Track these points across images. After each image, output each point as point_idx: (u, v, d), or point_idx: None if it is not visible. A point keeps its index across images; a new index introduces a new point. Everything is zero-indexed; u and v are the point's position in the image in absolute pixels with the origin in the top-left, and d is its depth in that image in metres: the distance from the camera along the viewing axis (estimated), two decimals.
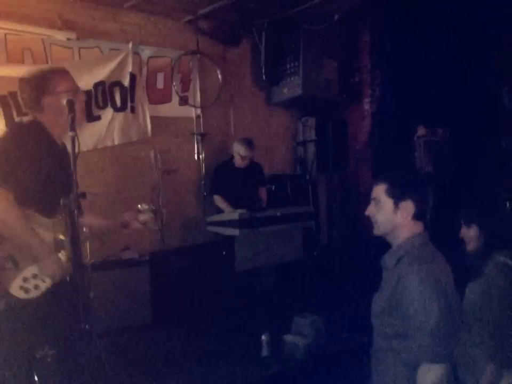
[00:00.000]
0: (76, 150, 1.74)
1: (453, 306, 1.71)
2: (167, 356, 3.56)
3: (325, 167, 5.66)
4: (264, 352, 3.42)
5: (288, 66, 5.41)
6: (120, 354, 3.53)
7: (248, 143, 4.55)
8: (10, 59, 4.08)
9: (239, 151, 4.54)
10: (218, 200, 4.49)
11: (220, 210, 4.50)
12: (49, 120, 2.07)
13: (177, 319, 4.16)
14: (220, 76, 5.27)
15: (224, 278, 4.20)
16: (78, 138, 1.82)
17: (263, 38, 5.30)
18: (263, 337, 3.43)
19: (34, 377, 2.75)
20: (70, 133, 1.80)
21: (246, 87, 5.74)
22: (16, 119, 4.01)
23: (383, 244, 1.96)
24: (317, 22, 5.25)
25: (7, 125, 3.95)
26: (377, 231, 1.90)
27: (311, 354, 3.41)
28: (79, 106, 2.06)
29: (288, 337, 3.52)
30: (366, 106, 6.09)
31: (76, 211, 1.76)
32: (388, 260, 1.89)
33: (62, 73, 2.14)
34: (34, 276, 1.95)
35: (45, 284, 1.97)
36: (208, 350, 3.62)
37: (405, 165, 5.58)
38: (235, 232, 3.91)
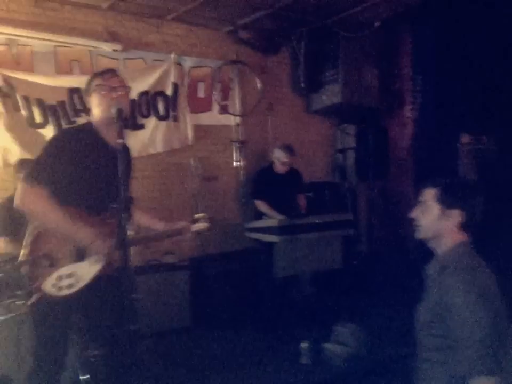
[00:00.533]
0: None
1: (500, 316, 1.66)
2: (206, 359, 3.59)
3: (364, 175, 5.60)
4: (304, 359, 3.40)
5: (327, 73, 5.41)
6: (160, 356, 3.59)
7: (289, 149, 4.57)
8: (60, 70, 4.28)
9: (279, 157, 4.56)
10: (262, 205, 4.50)
11: (258, 217, 4.51)
12: (101, 123, 2.14)
13: (216, 323, 4.20)
14: (259, 85, 5.33)
15: (262, 284, 4.21)
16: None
17: (302, 46, 5.33)
18: (303, 344, 3.42)
19: (80, 375, 2.86)
20: (119, 141, 1.86)
21: (285, 95, 5.78)
22: (64, 127, 4.18)
23: (424, 253, 1.93)
24: (356, 29, 5.24)
25: (56, 132, 4.12)
26: (419, 235, 1.87)
27: (352, 364, 3.36)
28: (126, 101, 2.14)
29: (328, 346, 3.48)
30: (407, 114, 6.00)
31: (123, 215, 1.81)
32: (432, 269, 1.86)
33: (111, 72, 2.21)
34: (70, 275, 2.01)
35: (79, 284, 2.02)
36: (246, 355, 3.63)
37: (448, 173, 5.45)
38: (274, 238, 3.91)
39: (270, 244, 4.00)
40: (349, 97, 5.33)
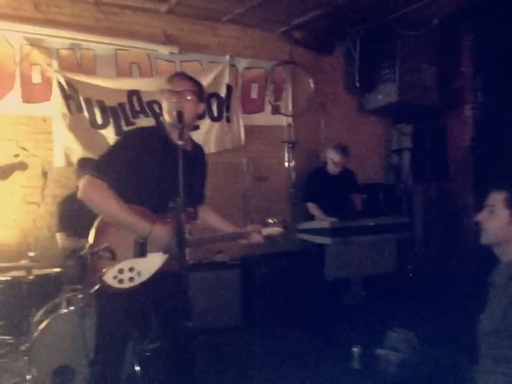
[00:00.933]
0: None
1: None
2: (255, 358, 3.61)
3: (421, 177, 5.43)
4: (355, 364, 3.35)
5: (383, 72, 5.30)
6: (210, 353, 3.64)
7: (343, 149, 4.51)
8: (120, 73, 4.44)
9: (332, 158, 4.51)
10: (313, 208, 4.48)
11: (308, 218, 4.49)
12: (168, 125, 2.20)
13: (266, 323, 4.21)
14: (312, 85, 5.30)
15: (313, 286, 4.19)
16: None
17: (358, 45, 5.24)
18: (355, 349, 3.37)
19: (136, 367, 2.96)
20: (179, 142, 1.90)
21: (338, 94, 5.72)
22: (124, 128, 4.34)
23: (485, 259, 1.85)
24: (414, 27, 5.09)
25: (116, 133, 4.29)
26: (484, 239, 1.80)
27: (405, 371, 3.27)
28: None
29: (381, 352, 3.41)
30: (468, 113, 5.75)
31: (182, 214, 1.86)
32: (498, 277, 1.78)
33: (180, 76, 2.27)
34: (131, 269, 2.07)
35: (140, 278, 2.08)
36: (296, 357, 3.62)
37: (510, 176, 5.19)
38: (326, 240, 3.88)
39: (322, 246, 3.97)
40: (405, 96, 5.19)
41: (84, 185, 2.07)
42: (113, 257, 2.03)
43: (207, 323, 4.04)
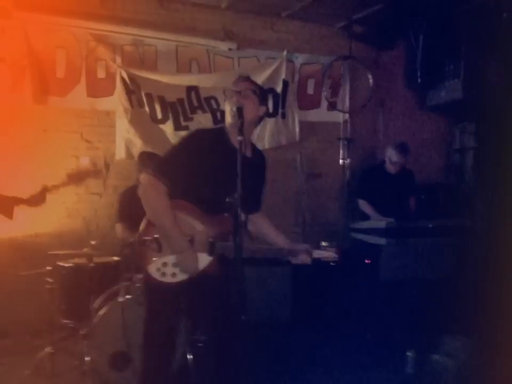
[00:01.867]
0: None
1: None
2: (305, 357, 3.60)
3: (486, 177, 5.17)
4: (410, 369, 3.27)
5: (447, 68, 5.08)
6: (259, 347, 3.65)
7: (402, 148, 4.36)
8: (180, 69, 4.54)
9: (390, 156, 4.38)
10: (364, 206, 4.39)
11: (361, 217, 4.40)
12: (229, 126, 2.23)
13: (316, 320, 4.17)
14: (371, 80, 5.18)
15: (366, 286, 4.10)
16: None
17: (420, 40, 5.06)
18: (409, 353, 3.28)
19: (188, 357, 3.02)
20: (238, 138, 1.92)
21: (398, 90, 5.55)
22: (183, 123, 4.44)
23: None
24: (481, 20, 4.84)
25: (175, 128, 4.39)
26: None
27: (462, 378, 3.15)
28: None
29: (436, 357, 3.30)
30: None
31: (239, 210, 1.86)
32: None
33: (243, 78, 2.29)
34: (175, 264, 2.10)
35: (182, 275, 2.11)
36: (345, 357, 3.57)
37: None
38: (381, 241, 3.79)
39: (376, 246, 3.87)
40: (471, 93, 4.96)
41: (143, 184, 2.16)
42: (159, 249, 2.08)
43: (255, 316, 4.06)
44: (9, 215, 2.29)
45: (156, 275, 2.09)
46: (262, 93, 2.30)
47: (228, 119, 2.22)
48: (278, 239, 2.39)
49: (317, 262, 4.46)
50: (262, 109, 2.27)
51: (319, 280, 4.38)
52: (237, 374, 2.24)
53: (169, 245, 2.08)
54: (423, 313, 4.02)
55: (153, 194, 2.08)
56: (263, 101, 2.29)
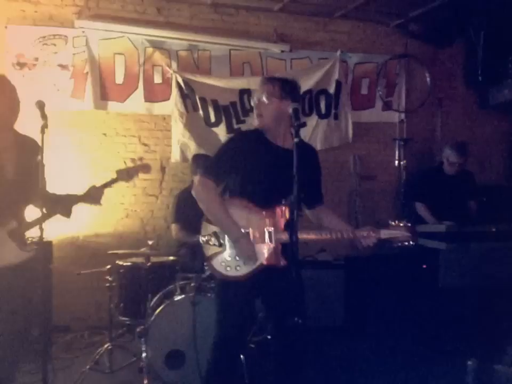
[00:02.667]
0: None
1: None
2: (359, 363, 3.52)
3: None
4: (470, 378, 3.11)
5: (510, 65, 4.83)
6: (312, 352, 3.61)
7: (460, 148, 4.18)
8: (233, 72, 4.59)
9: (448, 157, 4.20)
10: (421, 209, 4.24)
11: (417, 221, 4.24)
12: (269, 124, 2.27)
13: (370, 326, 4.08)
14: (428, 79, 5.02)
15: (424, 292, 3.96)
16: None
17: (481, 37, 4.84)
18: (469, 362, 3.13)
19: (240, 358, 3.02)
20: (295, 139, 1.90)
21: (457, 89, 5.35)
22: (235, 126, 4.48)
23: None
24: None
25: (227, 131, 4.44)
26: None
27: None
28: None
29: (498, 367, 3.13)
30: None
31: (296, 211, 1.86)
32: None
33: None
34: (236, 258, 2.17)
35: (245, 268, 2.16)
36: (402, 365, 3.45)
37: None
38: (441, 245, 3.64)
39: (435, 251, 3.73)
40: None
41: (196, 184, 2.28)
42: (220, 244, 2.16)
43: (308, 321, 4.02)
44: (67, 214, 2.38)
45: (221, 269, 2.17)
46: (284, 87, 2.26)
47: (255, 121, 2.28)
48: (343, 228, 2.31)
49: (372, 267, 4.40)
50: (287, 103, 2.18)
51: (373, 285, 4.29)
52: (289, 378, 2.24)
53: (227, 235, 2.17)
54: (485, 321, 3.84)
55: (204, 191, 2.21)
56: (286, 95, 2.24)
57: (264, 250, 2.17)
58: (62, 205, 2.34)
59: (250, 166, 2.21)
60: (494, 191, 4.95)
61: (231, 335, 2.22)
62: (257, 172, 2.20)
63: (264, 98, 2.25)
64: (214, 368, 2.25)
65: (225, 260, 2.17)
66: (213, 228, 2.20)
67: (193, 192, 2.25)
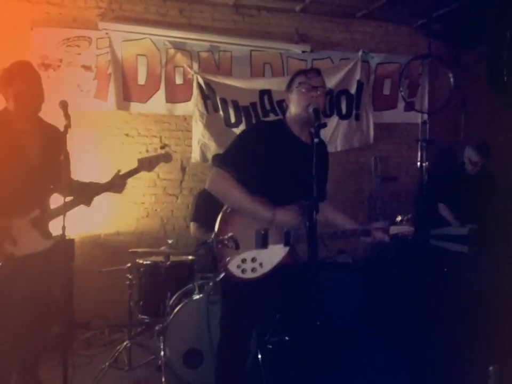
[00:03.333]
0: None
1: None
2: (378, 366, 3.47)
3: None
4: None
5: None
6: (329, 354, 3.57)
7: (482, 148, 4.10)
8: (254, 73, 4.60)
9: (469, 156, 4.13)
10: (444, 210, 4.17)
11: (440, 222, 4.17)
12: (296, 119, 2.20)
13: (389, 328, 4.03)
14: (451, 80, 4.94)
15: (444, 295, 3.90)
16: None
17: (507, 37, 4.74)
18: (491, 368, 3.05)
19: (258, 356, 3.02)
20: (315, 140, 1.85)
21: (481, 90, 5.22)
22: (258, 120, 4.48)
23: None
24: None
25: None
26: None
27: None
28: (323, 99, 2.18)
29: None
30: None
31: (314, 212, 1.83)
32: None
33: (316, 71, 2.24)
34: (253, 260, 2.12)
35: (262, 270, 2.12)
36: (422, 370, 3.40)
37: None
38: (463, 248, 3.59)
39: (457, 254, 3.67)
40: None
41: (210, 177, 2.21)
42: (237, 247, 2.10)
43: (327, 323, 3.98)
44: (89, 203, 2.39)
45: (237, 272, 2.12)
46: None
47: (294, 109, 2.17)
48: (349, 224, 2.32)
49: (393, 269, 4.34)
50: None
51: (393, 288, 4.24)
52: (307, 378, 2.22)
53: (257, 219, 2.09)
54: (507, 325, 3.76)
55: (219, 180, 2.14)
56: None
57: (281, 249, 2.14)
58: (86, 193, 2.36)
59: (270, 157, 2.12)
60: None
61: (236, 334, 2.20)
62: (277, 164, 2.13)
63: (323, 92, 2.18)
64: (221, 370, 2.25)
65: (242, 263, 2.12)
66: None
67: (207, 187, 2.19)
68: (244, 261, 2.12)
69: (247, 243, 2.12)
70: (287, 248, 2.14)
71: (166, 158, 2.58)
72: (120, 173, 2.42)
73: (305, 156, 1.88)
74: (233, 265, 2.11)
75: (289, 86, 2.24)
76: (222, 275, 2.20)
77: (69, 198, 2.21)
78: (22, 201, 2.22)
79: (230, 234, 2.10)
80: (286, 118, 2.26)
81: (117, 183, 2.39)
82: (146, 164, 2.48)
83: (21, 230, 2.21)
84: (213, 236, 2.20)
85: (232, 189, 2.12)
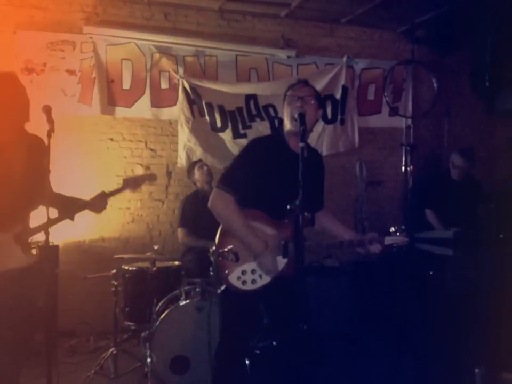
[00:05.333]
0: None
1: None
2: (367, 369, 3.48)
3: None
4: None
5: None
6: (317, 358, 3.58)
7: (467, 153, 4.17)
8: (239, 78, 4.60)
9: (454, 161, 4.19)
10: (430, 215, 4.21)
11: (424, 227, 4.22)
12: (288, 132, 2.23)
13: (378, 333, 4.04)
14: (435, 85, 5.01)
15: (430, 298, 3.93)
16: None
17: (488, 42, 4.83)
18: (477, 370, 3.09)
19: (245, 363, 3.01)
20: (300, 144, 1.90)
21: (464, 95, 5.33)
22: (241, 131, 4.49)
23: None
24: None
25: (233, 136, 4.45)
26: None
27: None
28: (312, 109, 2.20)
29: (508, 376, 3.08)
30: None
31: (301, 217, 1.85)
32: None
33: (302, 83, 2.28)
34: (253, 271, 2.15)
35: (262, 281, 2.15)
36: (411, 373, 3.42)
37: None
38: (448, 251, 3.62)
39: (442, 257, 3.71)
40: None
41: (213, 197, 2.22)
42: (237, 259, 2.14)
43: (314, 327, 3.99)
44: (72, 217, 2.38)
45: (237, 284, 2.14)
46: (319, 97, 2.30)
47: (287, 124, 2.21)
48: (345, 233, 2.37)
49: (379, 273, 4.37)
50: (320, 113, 2.29)
51: (380, 291, 4.26)
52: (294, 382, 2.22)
53: (247, 250, 2.14)
54: (492, 328, 3.80)
55: (221, 204, 2.18)
56: (321, 105, 2.28)
57: (280, 261, 2.16)
58: (67, 208, 2.34)
59: (270, 174, 2.17)
60: (505, 196, 4.91)
61: (236, 344, 2.21)
62: (276, 180, 2.17)
63: (313, 101, 2.21)
64: (220, 379, 2.24)
65: (242, 275, 2.15)
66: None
67: (209, 206, 2.21)
68: (244, 272, 2.15)
69: (247, 255, 2.15)
70: (285, 260, 2.16)
71: (151, 178, 2.60)
72: (105, 192, 2.41)
73: (304, 169, 1.89)
74: (234, 277, 2.14)
75: (282, 101, 2.29)
76: (223, 287, 2.21)
77: (52, 210, 2.19)
78: (6, 216, 2.19)
79: (230, 246, 2.15)
80: (284, 133, 2.29)
81: (99, 203, 2.38)
82: (132, 184, 2.49)
83: (3, 245, 2.18)
84: (213, 248, 2.23)
85: (232, 216, 2.15)
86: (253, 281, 2.14)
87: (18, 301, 2.24)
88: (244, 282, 2.14)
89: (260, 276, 2.15)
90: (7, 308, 2.18)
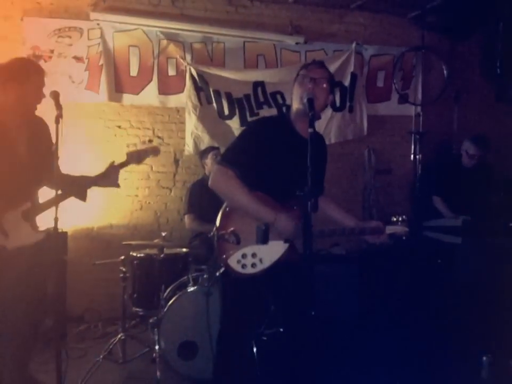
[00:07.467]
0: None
1: None
2: (373, 356, 3.49)
3: None
4: (485, 374, 3.07)
5: None
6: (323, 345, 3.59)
7: (480, 141, 4.09)
8: (247, 65, 4.57)
9: (467, 149, 4.13)
10: (438, 202, 4.17)
11: (432, 215, 4.18)
12: (296, 113, 2.17)
13: (383, 320, 4.05)
14: (445, 72, 4.94)
15: (438, 286, 3.92)
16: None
17: (500, 28, 4.75)
18: (485, 357, 3.09)
19: (253, 350, 3.02)
20: (310, 130, 1.86)
21: (475, 82, 5.26)
22: (249, 118, 4.46)
23: None
24: None
25: (241, 123, 4.42)
26: None
27: None
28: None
29: None
30: None
31: (309, 203, 1.83)
32: None
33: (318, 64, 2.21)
34: (253, 255, 2.11)
35: (262, 265, 2.11)
36: (415, 359, 3.42)
37: None
38: (456, 240, 3.60)
39: (451, 246, 3.68)
40: None
41: (213, 175, 2.15)
42: (238, 242, 2.08)
43: (323, 314, 3.99)
44: (83, 197, 2.38)
45: (237, 267, 2.10)
46: (333, 80, 2.23)
47: (295, 104, 2.14)
48: (348, 220, 2.34)
49: (387, 261, 4.35)
50: (330, 98, 2.21)
51: (387, 279, 4.25)
52: (301, 369, 2.22)
53: (259, 220, 2.06)
54: (500, 316, 3.78)
55: (223, 179, 2.09)
56: (332, 89, 2.21)
57: (282, 245, 2.13)
58: (77, 186, 2.34)
59: (274, 155, 2.10)
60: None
61: (236, 328, 2.19)
62: (280, 162, 2.11)
63: (325, 85, 2.13)
64: (222, 364, 2.23)
65: (242, 258, 2.10)
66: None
67: (210, 185, 2.13)
68: (244, 256, 2.10)
69: (248, 238, 2.10)
70: (287, 245, 2.13)
71: (154, 151, 2.58)
72: (115, 164, 2.41)
73: (305, 151, 1.85)
74: (233, 260, 2.10)
75: (294, 81, 2.21)
76: (222, 270, 2.18)
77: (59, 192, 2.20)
78: (13, 194, 2.20)
79: (231, 229, 2.09)
80: (290, 114, 2.23)
81: (112, 175, 2.38)
82: (135, 157, 2.47)
83: (12, 223, 2.19)
84: (214, 229, 2.17)
85: (235, 189, 2.07)
86: (253, 265, 2.10)
87: (28, 278, 2.26)
88: (244, 266, 2.09)
89: (260, 260, 2.11)
90: (17, 284, 2.21)
